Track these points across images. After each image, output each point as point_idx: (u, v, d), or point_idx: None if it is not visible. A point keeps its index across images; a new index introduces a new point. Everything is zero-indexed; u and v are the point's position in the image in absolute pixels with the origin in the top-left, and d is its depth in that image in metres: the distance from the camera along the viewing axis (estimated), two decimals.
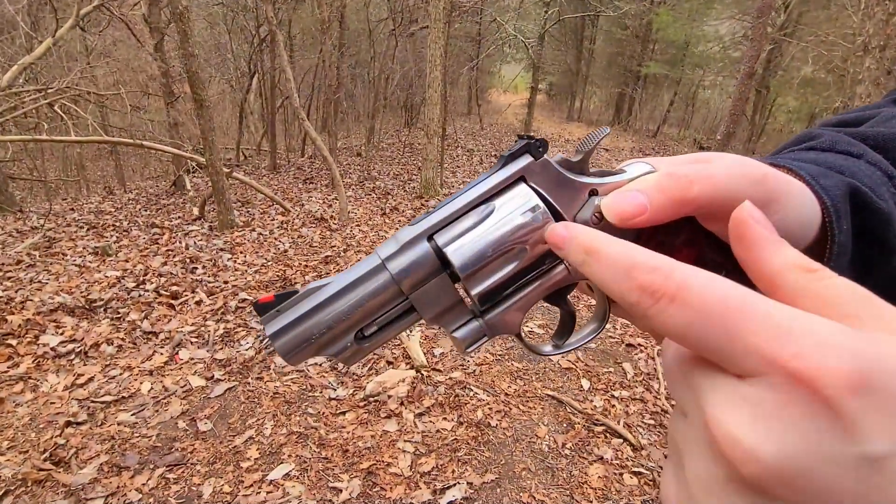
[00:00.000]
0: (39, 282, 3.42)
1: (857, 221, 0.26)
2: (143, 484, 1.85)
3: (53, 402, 2.26)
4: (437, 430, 2.20)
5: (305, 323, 0.29)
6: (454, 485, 1.91)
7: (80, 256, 4.06)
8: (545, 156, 0.27)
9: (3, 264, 3.74)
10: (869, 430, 0.15)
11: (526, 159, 0.28)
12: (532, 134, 0.28)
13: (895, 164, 0.28)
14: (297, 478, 1.92)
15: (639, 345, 3.10)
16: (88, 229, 5.12)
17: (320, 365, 2.66)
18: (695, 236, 0.26)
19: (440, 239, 0.28)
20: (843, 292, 0.18)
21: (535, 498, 1.88)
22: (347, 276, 0.29)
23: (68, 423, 2.12)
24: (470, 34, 13.05)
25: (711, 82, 16.84)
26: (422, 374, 2.58)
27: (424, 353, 2.78)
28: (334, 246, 4.52)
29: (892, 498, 0.15)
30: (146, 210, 6.31)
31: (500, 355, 2.86)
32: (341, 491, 1.87)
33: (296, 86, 6.08)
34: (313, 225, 5.19)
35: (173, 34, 7.47)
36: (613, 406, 2.49)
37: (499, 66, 20.47)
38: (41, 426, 2.12)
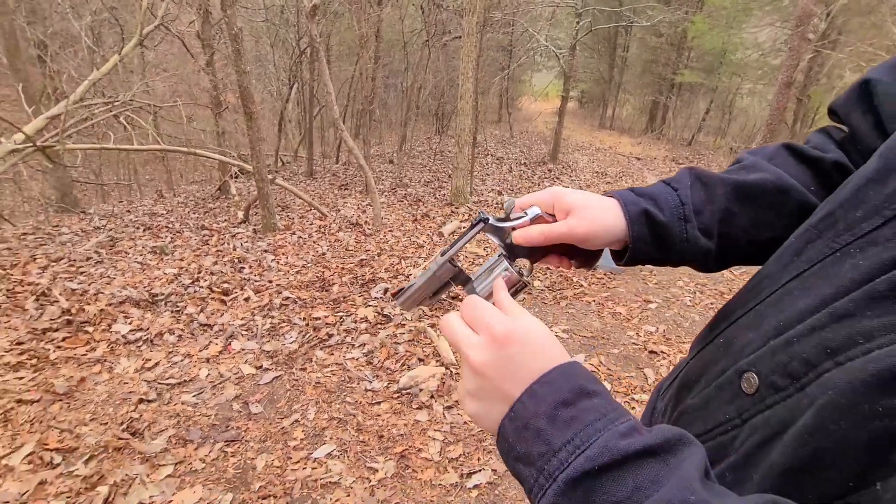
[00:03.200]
0: (108, 276, 3.80)
1: (651, 226, 0.51)
2: (206, 455, 2.11)
3: (126, 383, 2.57)
4: (465, 422, 2.38)
5: (409, 295, 0.56)
6: (479, 470, 2.08)
7: (141, 255, 4.46)
8: (490, 221, 0.53)
9: (75, 260, 4.16)
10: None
11: (480, 225, 0.53)
12: (480, 213, 0.54)
13: (708, 195, 0.52)
14: (339, 457, 2.14)
15: (661, 352, 3.19)
16: (145, 230, 5.56)
17: (357, 359, 2.89)
18: (562, 246, 0.54)
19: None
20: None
21: None
22: (423, 274, 0.55)
23: (140, 401, 2.41)
24: (501, 44, 13.25)
25: (750, 90, 16.44)
26: (451, 371, 2.77)
27: (453, 352, 2.96)
28: (369, 250, 4.77)
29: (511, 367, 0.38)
30: (195, 213, 6.76)
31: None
32: (377, 471, 2.07)
33: (335, 96, 6.43)
34: (349, 229, 5.47)
35: (222, 48, 7.98)
36: (633, 408, 2.60)
37: (530, 74, 20.58)
38: (117, 402, 2.41)
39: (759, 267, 0.50)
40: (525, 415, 0.36)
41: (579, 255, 0.55)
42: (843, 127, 0.56)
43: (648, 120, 19.34)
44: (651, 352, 3.19)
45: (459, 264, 0.55)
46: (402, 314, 3.40)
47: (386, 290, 3.76)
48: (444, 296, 0.55)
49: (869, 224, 0.36)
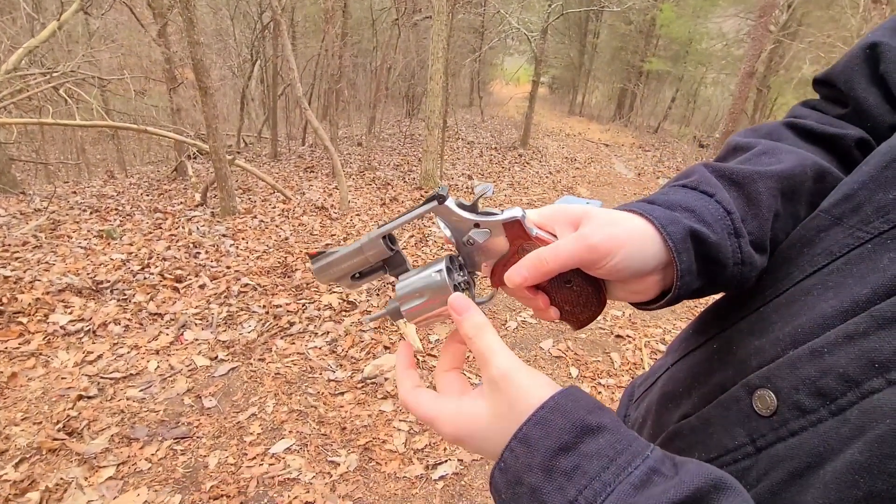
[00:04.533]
0: (47, 263, 3.51)
1: (699, 249, 0.36)
2: (153, 454, 1.96)
3: (64, 378, 2.37)
4: None
5: (329, 263, 0.44)
6: (445, 461, 2.02)
7: (86, 239, 4.15)
8: (446, 202, 0.39)
9: (10, 245, 3.82)
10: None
11: (432, 203, 0.40)
12: (441, 187, 0.40)
13: (746, 196, 0.38)
14: (298, 452, 2.04)
15: (627, 336, 3.21)
16: (92, 213, 5.19)
17: (320, 348, 2.77)
18: (571, 273, 0.39)
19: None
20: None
21: None
22: (344, 248, 0.43)
23: (80, 397, 2.22)
24: (473, 25, 13.03)
25: (714, 80, 16.85)
26: (418, 359, 2.69)
27: (420, 340, 2.89)
28: (334, 234, 4.60)
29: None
30: (148, 195, 6.37)
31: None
32: (339, 465, 1.98)
33: (298, 74, 6.13)
34: (314, 213, 5.27)
35: (177, 19, 7.48)
36: (600, 393, 2.61)
37: (501, 58, 20.41)
38: (53, 399, 2.22)
39: None
40: (516, 467, 0.30)
41: (574, 294, 0.40)
42: (816, 102, 0.48)
43: (617, 107, 19.60)
44: (617, 336, 3.21)
45: (401, 250, 0.43)
46: (367, 300, 3.29)
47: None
48: (374, 282, 0.43)
49: None
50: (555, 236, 0.39)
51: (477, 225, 0.39)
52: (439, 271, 0.39)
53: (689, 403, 0.39)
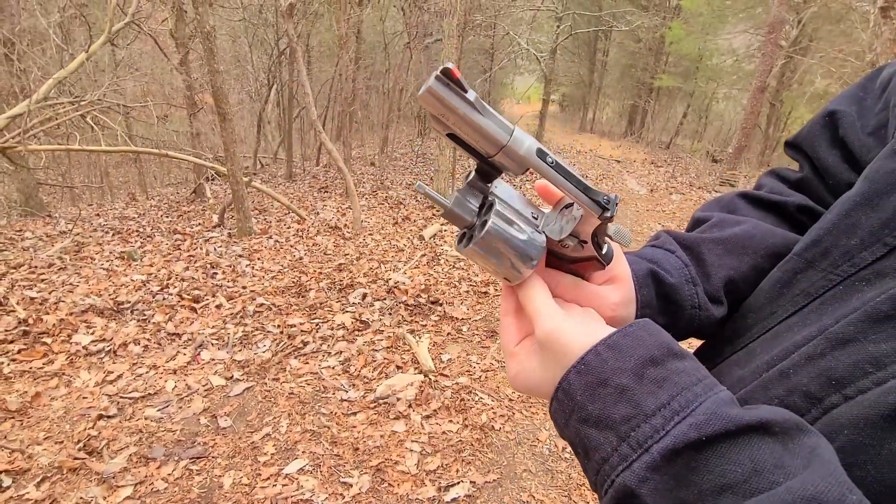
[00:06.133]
0: (71, 284, 3.62)
1: (658, 289, 0.43)
2: (169, 474, 1.99)
3: (86, 397, 2.42)
4: (443, 432, 2.31)
5: (455, 103, 0.32)
6: (458, 483, 2.01)
7: (108, 261, 4.27)
8: (610, 220, 0.35)
9: (36, 267, 3.96)
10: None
11: (599, 210, 0.34)
12: (611, 199, 0.34)
13: (696, 257, 0.46)
14: (311, 472, 2.05)
15: None
16: (114, 234, 5.35)
17: (333, 368, 2.79)
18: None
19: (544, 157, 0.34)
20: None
21: (534, 497, 1.98)
22: (495, 119, 0.33)
23: (100, 417, 2.27)
24: (483, 47, 13.28)
25: (725, 95, 16.83)
26: (429, 379, 2.70)
27: (432, 359, 2.89)
28: (347, 254, 4.67)
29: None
30: (168, 216, 6.55)
31: (505, 362, 2.96)
32: (351, 486, 1.99)
33: (313, 98, 6.31)
34: (328, 233, 5.36)
35: (197, 47, 7.78)
36: None
37: (512, 77, 20.69)
38: (74, 419, 2.27)
39: None
40: (603, 369, 0.30)
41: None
42: (792, 168, 0.54)
43: (628, 123, 19.65)
44: None
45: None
46: (380, 320, 3.32)
47: (364, 295, 3.67)
48: (470, 156, 0.35)
49: (871, 253, 0.33)
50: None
51: (600, 247, 0.38)
52: (541, 247, 0.36)
53: None
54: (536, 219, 0.38)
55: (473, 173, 0.37)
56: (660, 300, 0.43)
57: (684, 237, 0.47)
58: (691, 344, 0.51)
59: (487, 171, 0.36)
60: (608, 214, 0.34)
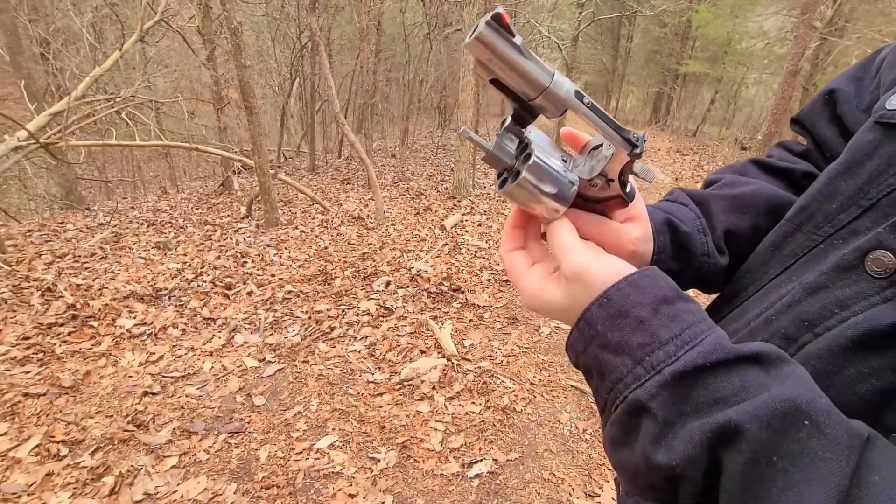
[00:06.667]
0: (112, 272, 3.83)
1: (673, 236, 0.47)
2: (210, 446, 2.13)
3: (131, 376, 2.59)
4: (466, 413, 2.39)
5: (503, 48, 0.34)
6: (481, 460, 2.09)
7: (145, 250, 4.49)
8: (639, 157, 0.38)
9: (80, 256, 4.19)
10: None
11: (629, 148, 0.37)
12: (639, 137, 0.37)
13: (705, 211, 0.50)
14: (341, 448, 2.16)
15: None
16: (149, 226, 5.59)
17: (359, 352, 2.90)
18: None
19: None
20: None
21: (555, 475, 2.04)
22: (537, 63, 0.35)
23: (145, 394, 2.43)
24: None
25: (755, 80, 16.25)
26: (452, 363, 2.78)
27: (455, 345, 2.97)
28: (371, 244, 4.77)
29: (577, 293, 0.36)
30: (198, 209, 6.78)
31: (526, 348, 3.02)
32: (379, 461, 2.09)
33: (335, 91, 6.41)
34: (351, 223, 5.48)
35: (222, 43, 7.97)
36: None
37: None
38: (122, 395, 2.44)
39: None
40: (624, 302, 0.34)
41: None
42: (800, 141, 0.58)
43: (652, 111, 19.20)
44: None
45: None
46: (403, 307, 3.41)
47: (388, 283, 3.77)
48: (513, 105, 0.38)
49: (847, 215, 0.37)
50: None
51: (625, 185, 0.41)
52: (572, 188, 0.38)
53: None
54: (566, 161, 0.40)
55: (509, 119, 0.39)
56: (674, 247, 0.47)
57: (696, 193, 0.52)
58: None
59: (523, 116, 0.38)
60: (638, 151, 0.37)
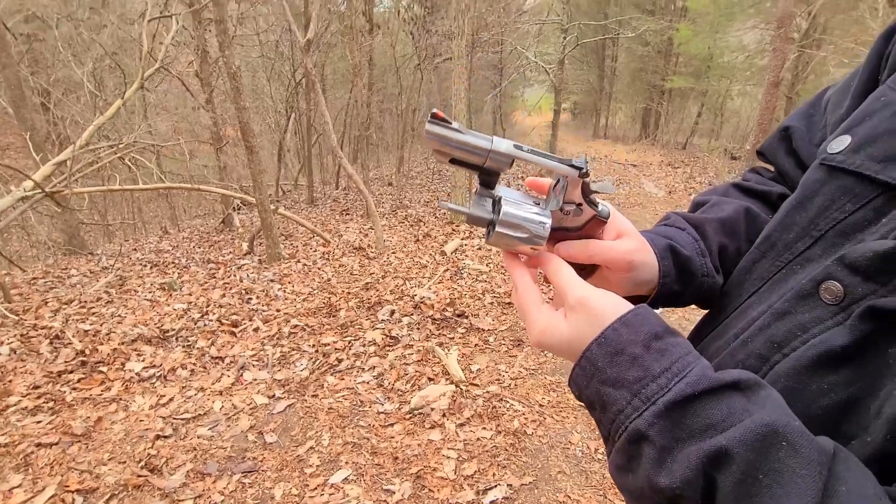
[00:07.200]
0: (119, 316, 3.87)
1: (676, 260, 0.51)
2: (224, 487, 2.13)
3: (142, 420, 2.60)
4: (478, 439, 2.39)
5: (446, 136, 0.42)
6: (495, 486, 2.09)
7: (150, 292, 4.53)
8: (587, 178, 0.44)
9: (86, 302, 4.23)
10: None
11: (575, 171, 0.43)
12: (582, 160, 0.44)
13: (701, 233, 0.55)
14: (355, 481, 2.16)
15: None
16: (152, 267, 5.65)
17: (368, 383, 2.92)
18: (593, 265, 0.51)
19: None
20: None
21: (570, 497, 2.04)
22: (476, 135, 0.43)
23: (157, 437, 2.44)
24: (492, 63, 13.54)
25: (740, 91, 16.64)
26: (461, 389, 2.79)
27: (462, 370, 2.99)
28: (373, 273, 4.83)
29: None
30: (200, 247, 6.87)
31: (533, 370, 3.04)
32: (394, 493, 2.09)
33: (332, 125, 6.58)
34: (352, 254, 5.54)
35: (220, 85, 8.20)
36: None
37: (522, 89, 20.92)
38: (134, 440, 2.45)
39: None
40: (619, 341, 0.38)
41: (583, 276, 0.46)
42: (769, 167, 0.64)
43: (641, 127, 19.56)
44: None
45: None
46: (409, 335, 3.44)
47: (393, 312, 3.80)
48: (472, 175, 0.44)
49: (802, 244, 0.43)
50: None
51: (593, 204, 0.46)
52: (544, 224, 0.44)
53: None
54: (539, 205, 0.46)
55: (478, 185, 0.47)
56: (677, 270, 0.51)
57: (691, 217, 0.57)
58: (683, 328, 0.60)
59: (487, 179, 0.45)
60: (584, 171, 0.43)
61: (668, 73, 16.35)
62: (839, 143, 0.43)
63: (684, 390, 0.34)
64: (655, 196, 9.33)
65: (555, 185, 0.48)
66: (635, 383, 0.36)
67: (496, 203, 0.46)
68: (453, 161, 0.44)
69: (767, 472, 0.29)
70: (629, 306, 0.40)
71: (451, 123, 0.42)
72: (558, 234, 0.48)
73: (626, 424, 0.36)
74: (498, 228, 0.44)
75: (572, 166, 0.43)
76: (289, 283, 4.68)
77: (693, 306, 0.58)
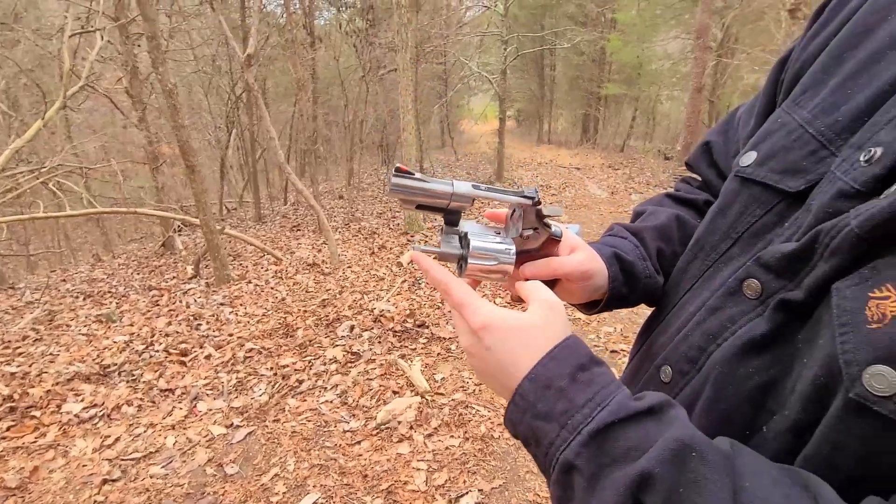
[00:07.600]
0: (51, 354, 3.56)
1: (622, 266, 0.58)
2: None
3: (85, 465, 2.41)
4: (447, 447, 2.41)
5: (410, 187, 0.47)
6: (467, 493, 2.11)
7: (85, 325, 4.21)
8: (539, 206, 0.50)
9: (10, 342, 3.87)
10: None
11: (527, 201, 0.50)
12: (532, 189, 0.50)
13: (640, 240, 0.62)
14: None
15: (621, 350, 3.36)
16: (85, 298, 5.25)
17: (331, 402, 2.86)
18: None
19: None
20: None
21: (539, 496, 2.10)
22: (439, 181, 0.48)
23: (104, 482, 2.27)
24: (437, 73, 13.73)
25: (668, 95, 17.86)
26: (426, 399, 2.80)
27: (426, 380, 3.00)
28: (329, 289, 4.74)
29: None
30: (139, 273, 6.45)
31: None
32: None
33: (277, 139, 6.42)
34: (307, 271, 5.41)
35: (153, 102, 7.79)
36: None
37: (467, 98, 21.34)
38: (78, 487, 2.26)
39: None
40: (547, 376, 0.40)
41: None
42: (696, 176, 0.73)
43: (582, 131, 20.47)
44: (612, 351, 3.36)
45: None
46: (370, 349, 3.40)
47: (352, 328, 3.75)
48: (436, 214, 0.50)
49: (724, 245, 0.49)
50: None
51: (547, 226, 0.52)
52: (510, 251, 0.49)
53: (635, 388, 0.56)
54: (499, 234, 0.52)
55: (444, 224, 0.51)
56: (623, 274, 0.58)
57: (631, 226, 0.64)
58: (634, 322, 0.66)
59: (451, 218, 0.50)
60: (535, 199, 0.49)
61: (602, 81, 17.26)
62: (748, 158, 0.49)
63: (605, 419, 0.36)
64: (599, 197, 9.77)
65: (511, 215, 0.54)
66: (562, 415, 0.38)
67: (462, 239, 0.50)
68: (419, 207, 0.48)
69: (685, 484, 0.32)
70: (564, 336, 0.42)
71: (413, 175, 0.46)
72: (521, 257, 0.53)
73: (556, 456, 0.37)
74: (470, 262, 0.48)
75: (525, 197, 0.49)
76: (241, 305, 4.50)
77: (642, 306, 0.64)
